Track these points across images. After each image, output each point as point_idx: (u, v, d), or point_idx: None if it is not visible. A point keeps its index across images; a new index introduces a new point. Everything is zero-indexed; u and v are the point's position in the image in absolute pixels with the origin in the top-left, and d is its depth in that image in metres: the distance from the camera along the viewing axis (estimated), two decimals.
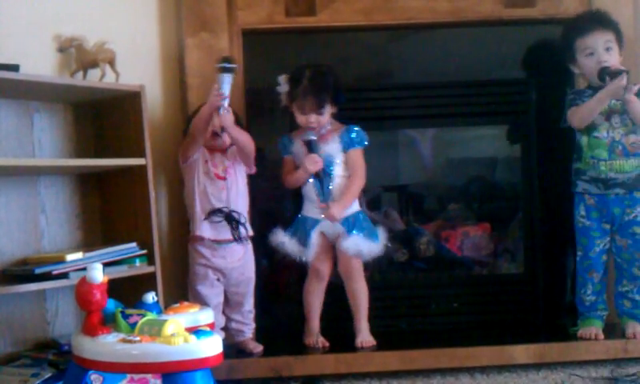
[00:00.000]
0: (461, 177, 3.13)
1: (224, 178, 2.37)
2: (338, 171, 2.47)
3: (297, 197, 2.57)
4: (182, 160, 2.37)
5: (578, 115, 2.45)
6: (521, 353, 2.38)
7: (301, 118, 2.44)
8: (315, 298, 2.51)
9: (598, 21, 2.47)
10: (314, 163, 2.40)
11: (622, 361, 2.37)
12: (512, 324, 2.70)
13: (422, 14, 2.67)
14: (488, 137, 3.02)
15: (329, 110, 2.45)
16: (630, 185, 2.43)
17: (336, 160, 2.46)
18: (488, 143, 3.06)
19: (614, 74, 2.35)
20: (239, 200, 2.39)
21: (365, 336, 2.48)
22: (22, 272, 2.09)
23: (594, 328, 2.45)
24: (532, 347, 2.39)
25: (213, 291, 2.37)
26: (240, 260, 2.40)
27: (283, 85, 2.47)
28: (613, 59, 2.42)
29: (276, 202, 2.74)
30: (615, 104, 2.42)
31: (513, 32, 2.77)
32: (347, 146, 2.47)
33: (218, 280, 2.38)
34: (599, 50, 2.43)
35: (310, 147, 2.41)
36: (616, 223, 2.47)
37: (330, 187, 2.44)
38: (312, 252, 2.44)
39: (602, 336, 2.42)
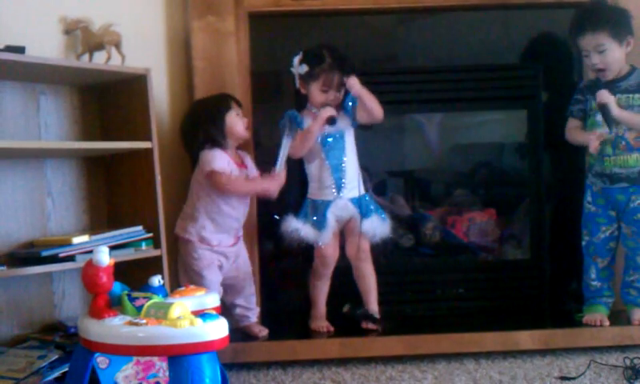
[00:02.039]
0: (467, 162, 3.12)
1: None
2: (349, 146, 2.47)
3: (301, 181, 2.56)
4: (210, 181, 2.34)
5: (572, 136, 2.52)
6: (526, 339, 2.37)
7: (321, 97, 2.43)
8: (322, 284, 2.51)
9: (589, 20, 2.42)
10: (328, 110, 2.39)
11: (627, 348, 2.37)
12: (517, 310, 2.70)
13: None
14: (495, 122, 3.00)
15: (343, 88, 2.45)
16: (634, 179, 2.42)
17: (346, 134, 2.47)
18: (495, 129, 3.04)
19: (604, 108, 2.37)
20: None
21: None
22: (29, 255, 2.09)
23: (599, 314, 2.45)
24: (537, 333, 2.39)
25: (217, 277, 2.36)
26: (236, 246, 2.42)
27: (301, 66, 2.43)
28: (607, 60, 2.40)
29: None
30: (620, 99, 2.40)
31: (521, 16, 2.74)
32: (352, 103, 2.45)
33: (220, 267, 2.38)
34: (591, 53, 2.42)
35: (331, 121, 2.42)
36: (621, 210, 2.46)
37: (344, 163, 2.45)
38: (329, 235, 2.43)
39: (607, 322, 2.42)
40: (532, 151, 2.76)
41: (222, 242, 2.37)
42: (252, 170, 2.44)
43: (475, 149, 3.12)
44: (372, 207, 2.47)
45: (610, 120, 2.37)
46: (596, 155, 2.44)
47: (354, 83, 2.38)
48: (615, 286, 2.54)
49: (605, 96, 2.36)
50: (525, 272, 2.79)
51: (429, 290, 2.76)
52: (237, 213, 2.38)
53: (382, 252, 2.64)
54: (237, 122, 2.38)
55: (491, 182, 3.08)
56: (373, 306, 2.50)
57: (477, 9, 2.71)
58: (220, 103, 2.39)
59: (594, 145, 2.38)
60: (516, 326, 2.43)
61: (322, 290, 2.51)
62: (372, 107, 2.42)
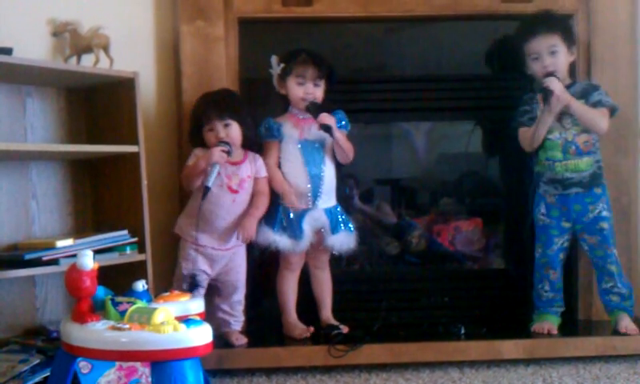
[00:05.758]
0: (454, 171, 3.13)
1: (236, 192, 2.32)
2: (329, 155, 2.46)
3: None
4: (187, 188, 2.34)
5: (528, 141, 2.50)
6: (510, 348, 2.38)
7: (298, 91, 2.42)
8: (291, 290, 2.51)
9: (543, 24, 2.49)
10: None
11: (610, 358, 2.38)
12: (502, 319, 2.70)
13: (419, 6, 2.66)
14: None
15: (323, 87, 2.44)
16: (587, 183, 2.45)
17: (327, 143, 2.45)
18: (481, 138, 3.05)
19: (547, 92, 2.39)
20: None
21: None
22: (12, 257, 2.08)
23: (547, 323, 2.48)
24: (521, 343, 2.40)
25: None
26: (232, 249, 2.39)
27: (277, 65, 2.44)
28: (558, 62, 2.45)
29: None
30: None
31: (509, 27, 2.76)
32: (343, 128, 2.46)
33: (205, 272, 2.35)
34: (543, 55, 2.46)
35: (314, 112, 2.39)
36: (579, 221, 2.48)
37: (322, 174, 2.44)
38: (305, 245, 2.41)
39: (555, 331, 2.45)
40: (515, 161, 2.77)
41: (209, 242, 2.33)
42: (253, 172, 2.39)
43: (461, 158, 3.13)
44: (341, 220, 2.46)
45: (549, 102, 2.40)
46: (544, 162, 2.47)
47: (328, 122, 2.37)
48: (594, 297, 2.57)
49: (552, 82, 2.39)
50: (510, 281, 2.80)
51: (414, 298, 2.76)
52: (220, 210, 2.31)
53: (367, 260, 2.65)
54: (210, 139, 2.32)
55: (477, 191, 3.09)
56: (327, 312, 2.52)
57: (465, 19, 2.73)
58: (200, 117, 2.34)
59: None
60: (500, 335, 2.44)
61: (292, 297, 2.51)
62: (345, 149, 2.43)
